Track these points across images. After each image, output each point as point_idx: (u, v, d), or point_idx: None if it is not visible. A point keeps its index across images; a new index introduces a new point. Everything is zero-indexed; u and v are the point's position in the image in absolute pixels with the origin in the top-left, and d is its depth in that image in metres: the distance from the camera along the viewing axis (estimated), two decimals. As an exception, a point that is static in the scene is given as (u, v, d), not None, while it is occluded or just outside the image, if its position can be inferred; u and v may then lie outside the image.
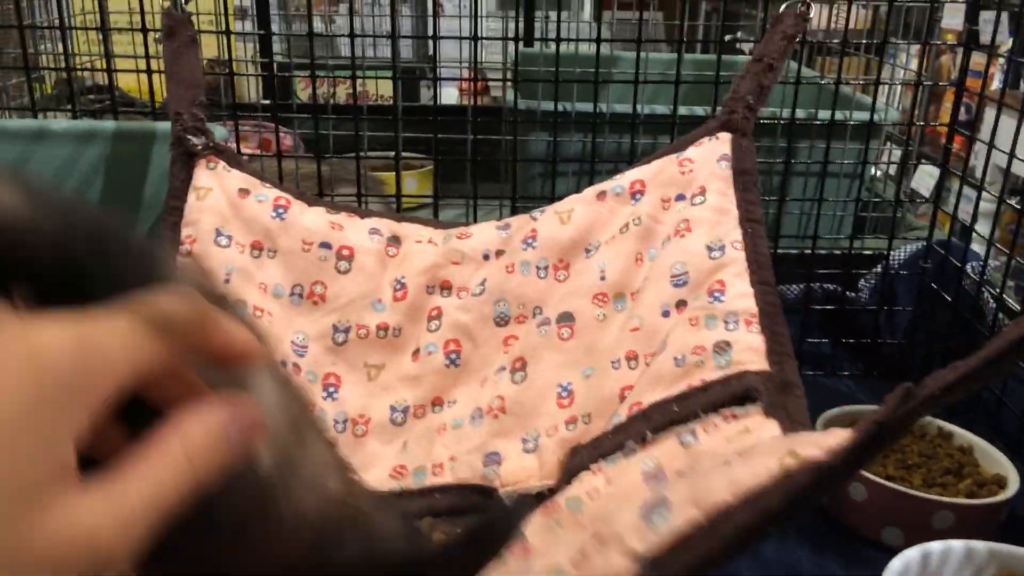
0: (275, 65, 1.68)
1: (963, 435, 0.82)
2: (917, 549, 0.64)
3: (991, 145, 0.90)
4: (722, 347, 0.66)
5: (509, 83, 1.08)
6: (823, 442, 0.42)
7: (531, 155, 1.12)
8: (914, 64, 1.29)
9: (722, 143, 0.79)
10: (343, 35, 0.97)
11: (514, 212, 1.08)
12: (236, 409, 0.31)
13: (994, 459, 0.78)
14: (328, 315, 0.77)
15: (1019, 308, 0.87)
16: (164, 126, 0.92)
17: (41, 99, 1.26)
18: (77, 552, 0.26)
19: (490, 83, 2.04)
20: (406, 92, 2.10)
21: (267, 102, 1.56)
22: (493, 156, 1.08)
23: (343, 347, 0.77)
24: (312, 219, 0.80)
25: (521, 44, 1.55)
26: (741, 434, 0.58)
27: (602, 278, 0.77)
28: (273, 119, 1.05)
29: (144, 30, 0.93)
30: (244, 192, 0.79)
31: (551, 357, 0.74)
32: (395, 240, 0.82)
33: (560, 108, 1.01)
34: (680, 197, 0.78)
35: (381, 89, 1.98)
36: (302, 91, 2.08)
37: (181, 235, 0.76)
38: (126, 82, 1.69)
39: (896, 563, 0.63)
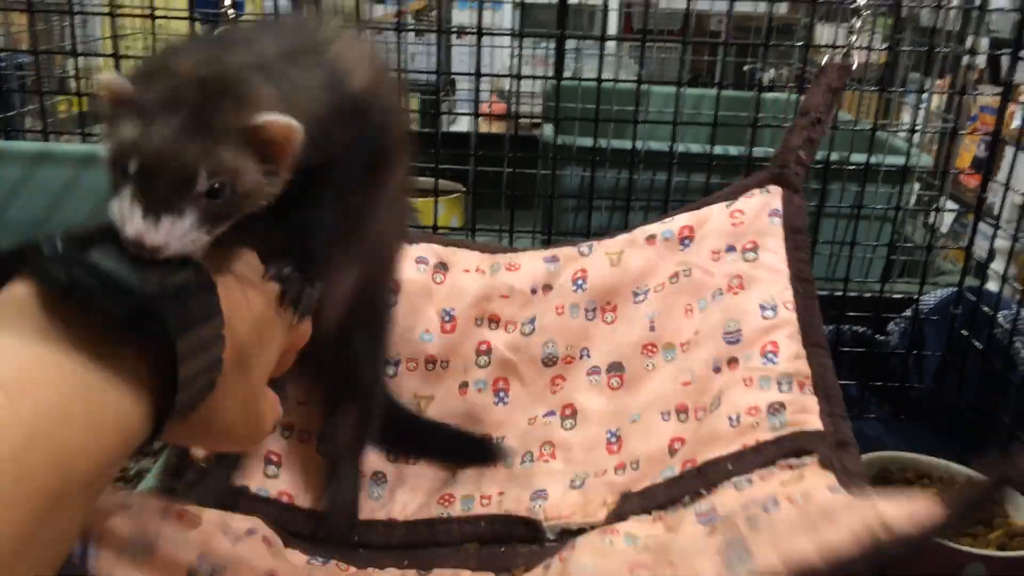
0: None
1: (994, 485, 0.82)
2: (952, 602, 0.64)
3: (1007, 186, 0.91)
4: (776, 408, 0.67)
5: (548, 120, 1.09)
6: (912, 512, 0.44)
7: (565, 188, 1.13)
8: (935, 101, 1.30)
9: (774, 197, 0.79)
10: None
11: (547, 245, 1.09)
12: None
13: (1025, 509, 0.78)
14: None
15: (1051, 359, 0.87)
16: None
17: (60, 122, 1.27)
18: (269, 414, 0.49)
19: (522, 114, 2.06)
20: (425, 117, 2.12)
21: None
22: (528, 188, 1.09)
23: (393, 380, 0.78)
24: None
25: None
26: (796, 480, 0.59)
27: (651, 328, 0.78)
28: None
29: (116, 56, 0.94)
30: None
31: (600, 405, 0.75)
32: (442, 267, 0.82)
33: (596, 144, 1.03)
34: (730, 249, 0.78)
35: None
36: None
37: None
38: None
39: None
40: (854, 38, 0.81)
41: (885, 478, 0.84)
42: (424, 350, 0.79)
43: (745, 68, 2.54)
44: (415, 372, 0.78)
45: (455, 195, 1.45)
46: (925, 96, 1.19)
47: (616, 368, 0.77)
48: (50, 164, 0.91)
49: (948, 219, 1.13)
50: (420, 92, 2.09)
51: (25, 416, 0.32)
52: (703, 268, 0.79)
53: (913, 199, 1.29)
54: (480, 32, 0.95)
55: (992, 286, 0.99)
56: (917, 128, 1.05)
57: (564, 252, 0.83)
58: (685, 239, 0.81)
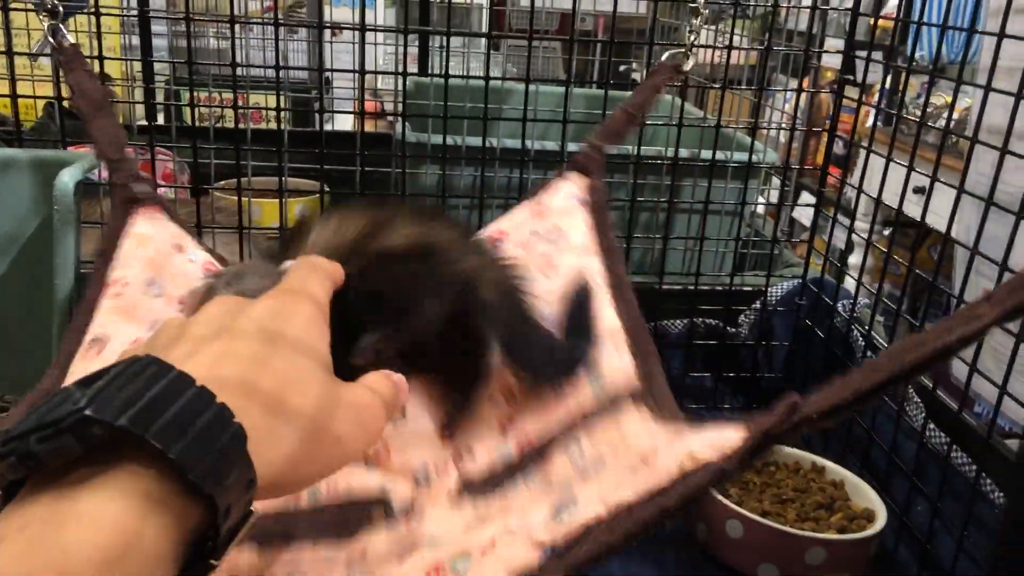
0: (159, 90, 1.62)
1: (835, 469, 0.85)
2: (790, 587, 0.66)
3: (859, 189, 0.94)
4: (593, 371, 0.67)
5: (399, 115, 1.06)
6: (717, 443, 0.46)
7: (422, 187, 1.11)
8: (793, 102, 1.35)
9: (569, 182, 0.83)
10: (225, 64, 0.94)
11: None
12: (401, 382, 0.49)
13: (864, 494, 0.81)
14: None
15: (886, 345, 0.91)
16: (46, 154, 0.87)
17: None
18: (364, 400, 0.46)
19: (385, 112, 2.02)
20: (301, 114, 2.07)
21: (145, 123, 1.51)
22: (383, 188, 1.06)
23: None
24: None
25: (413, 75, 1.54)
26: (615, 428, 0.60)
27: None
28: (149, 144, 1.00)
29: (10, 53, 0.88)
30: (178, 247, 0.78)
31: (424, 401, 0.74)
32: None
33: (450, 141, 1.01)
34: (534, 233, 0.81)
35: (271, 111, 1.93)
36: (189, 112, 2.02)
37: (109, 277, 0.73)
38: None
39: (770, 602, 0.64)
40: (692, 38, 0.83)
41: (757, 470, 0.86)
42: None
43: (621, 68, 2.60)
44: None
45: (315, 196, 1.41)
46: (773, 95, 1.22)
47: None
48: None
49: (808, 213, 1.17)
50: (293, 90, 2.04)
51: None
52: (514, 257, 0.79)
53: (774, 195, 1.33)
54: (364, 28, 0.92)
55: (849, 281, 1.03)
56: (762, 126, 1.08)
57: None
58: (497, 242, 0.81)
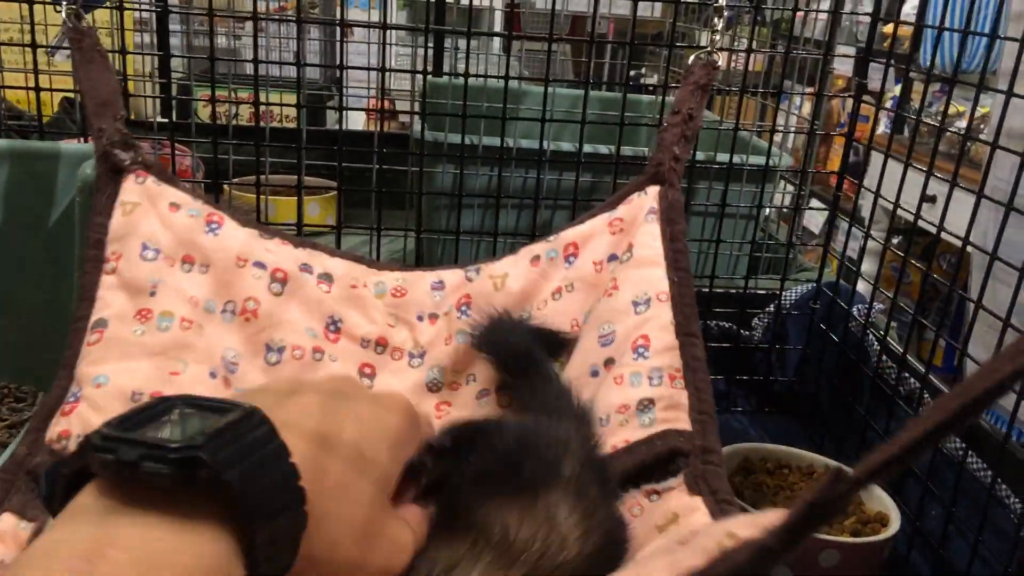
0: (174, 84, 1.63)
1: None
2: (804, 588, 0.66)
3: (877, 193, 0.94)
4: (645, 405, 0.66)
5: (417, 114, 1.07)
6: (759, 522, 0.43)
7: (437, 186, 1.12)
8: (807, 107, 1.35)
9: (650, 197, 0.79)
10: (247, 60, 0.95)
11: (419, 244, 1.07)
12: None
13: (877, 498, 0.81)
14: (262, 332, 0.73)
15: (901, 350, 0.91)
16: (69, 146, 0.88)
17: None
18: (402, 540, 0.47)
19: (398, 110, 2.03)
20: (311, 113, 2.08)
21: (164, 120, 1.52)
22: (399, 186, 1.07)
23: (276, 367, 0.73)
24: (247, 238, 0.77)
25: (430, 75, 1.54)
26: (670, 523, 0.58)
27: None
28: (170, 139, 1.01)
29: (34, 46, 0.89)
30: (175, 206, 0.75)
31: None
32: (327, 278, 0.79)
33: (467, 141, 1.02)
34: (612, 258, 0.78)
35: (285, 109, 1.94)
36: (203, 109, 2.03)
37: (106, 252, 0.72)
38: (13, 94, 1.61)
39: (785, 603, 0.64)
40: (716, 38, 0.83)
41: (746, 468, 0.86)
42: (311, 343, 0.75)
43: (632, 72, 2.60)
44: (300, 360, 0.73)
45: (330, 194, 1.41)
46: (785, 95, 1.23)
47: (507, 387, 0.75)
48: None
49: (820, 218, 1.17)
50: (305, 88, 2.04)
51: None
52: (586, 281, 0.78)
53: (785, 199, 1.33)
54: (385, 26, 0.92)
55: (861, 285, 1.03)
56: (779, 129, 1.08)
57: (450, 276, 0.81)
58: (570, 256, 0.80)
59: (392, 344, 0.78)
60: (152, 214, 0.74)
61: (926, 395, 0.84)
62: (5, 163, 0.86)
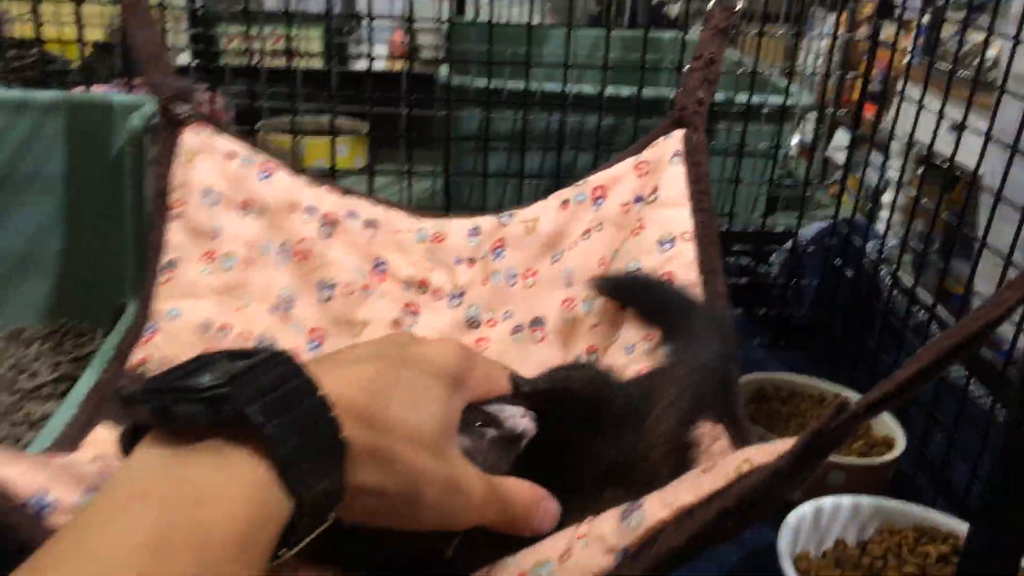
0: (201, 17, 1.66)
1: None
2: (810, 504, 0.71)
3: (892, 127, 0.97)
4: None
5: (442, 62, 1.10)
6: (773, 449, 0.47)
7: (464, 129, 1.15)
8: (829, 42, 1.35)
9: (675, 140, 0.83)
10: None
11: (447, 186, 1.12)
12: (553, 506, 0.53)
13: (885, 422, 0.86)
14: (314, 271, 0.79)
15: (911, 283, 0.94)
16: (119, 97, 0.93)
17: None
18: (470, 488, 0.47)
19: (422, 45, 2.04)
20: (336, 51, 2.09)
21: (196, 62, 1.55)
22: (426, 131, 1.10)
23: (329, 303, 0.79)
24: (297, 185, 0.82)
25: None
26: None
27: (568, 284, 0.81)
28: (209, 82, 1.05)
29: None
30: (231, 156, 0.81)
31: (525, 358, 0.77)
32: (371, 223, 0.84)
33: (492, 86, 1.05)
34: (638, 199, 0.82)
35: (310, 46, 1.97)
36: (230, 47, 2.05)
37: (170, 199, 0.77)
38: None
39: (791, 517, 0.70)
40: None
41: (761, 396, 0.91)
42: (361, 281, 0.81)
43: (653, 2, 2.56)
44: (351, 297, 0.79)
45: (359, 135, 1.45)
46: (815, 34, 1.24)
47: (538, 323, 0.80)
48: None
49: (843, 153, 1.18)
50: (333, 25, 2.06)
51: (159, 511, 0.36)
52: (614, 222, 0.82)
53: (808, 137, 1.36)
54: None
55: (883, 218, 1.06)
56: (799, 69, 1.10)
57: (485, 223, 0.86)
58: (598, 199, 0.84)
59: (432, 285, 0.84)
60: (210, 163, 0.79)
61: (934, 327, 0.88)
62: (58, 114, 0.91)
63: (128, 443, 0.41)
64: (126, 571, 0.32)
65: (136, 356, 0.70)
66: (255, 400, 0.38)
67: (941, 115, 0.86)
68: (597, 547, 0.49)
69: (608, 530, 0.49)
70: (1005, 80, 0.78)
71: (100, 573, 0.32)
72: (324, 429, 0.41)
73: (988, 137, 0.80)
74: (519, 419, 0.54)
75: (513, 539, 0.54)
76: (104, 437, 0.64)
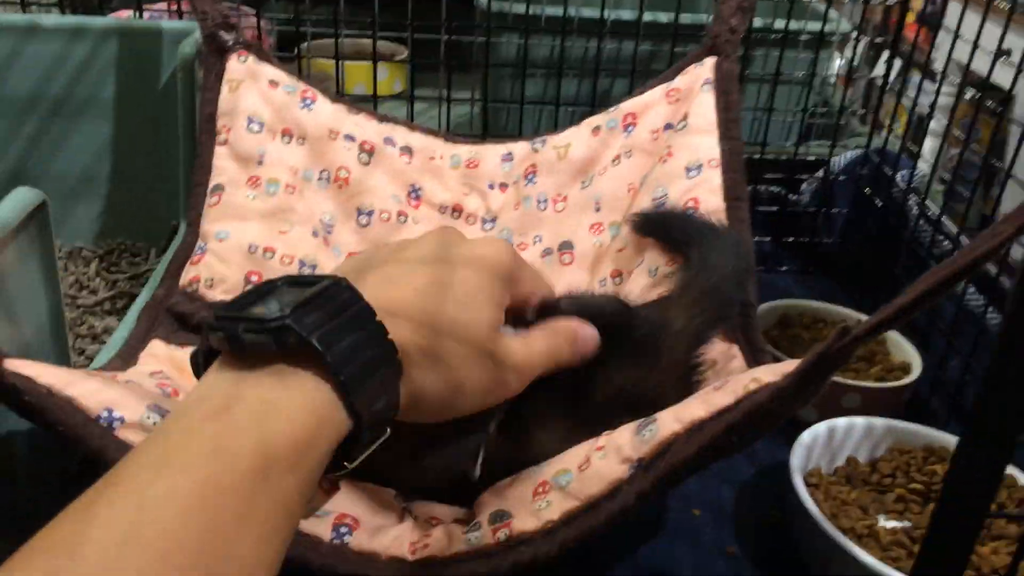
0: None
1: (879, 327, 0.92)
2: (824, 424, 0.75)
3: (926, 57, 0.97)
4: None
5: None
6: (780, 369, 0.50)
7: (502, 55, 1.17)
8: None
9: (706, 68, 0.84)
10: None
11: (485, 112, 1.14)
12: (590, 330, 0.58)
13: (904, 349, 0.89)
14: (353, 198, 0.83)
15: (936, 213, 0.96)
16: (169, 24, 0.96)
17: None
18: (515, 364, 0.53)
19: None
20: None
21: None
22: (466, 56, 1.12)
23: (367, 228, 0.83)
24: (337, 113, 0.85)
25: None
26: (710, 368, 0.65)
27: (597, 208, 0.84)
28: (253, 5, 1.07)
29: None
30: (274, 84, 0.84)
31: (554, 280, 0.79)
32: (408, 150, 0.88)
33: (531, 12, 1.06)
34: (668, 127, 0.84)
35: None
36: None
37: (217, 125, 0.81)
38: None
39: (806, 435, 0.73)
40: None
41: (784, 323, 0.94)
42: (396, 207, 0.84)
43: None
44: (388, 223, 0.83)
45: (397, 59, 1.47)
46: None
47: (567, 246, 0.83)
48: (39, 38, 0.94)
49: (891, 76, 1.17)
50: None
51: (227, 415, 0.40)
52: (643, 149, 0.84)
53: (856, 62, 1.34)
54: None
55: (928, 145, 1.05)
56: (837, -5, 1.09)
57: (518, 149, 0.89)
58: (629, 126, 0.86)
59: (467, 210, 0.87)
60: (255, 90, 0.83)
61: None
62: (111, 40, 0.95)
63: (201, 366, 0.45)
64: (193, 473, 0.37)
65: (188, 275, 0.75)
66: (317, 328, 0.42)
67: (978, 40, 0.86)
68: (614, 457, 0.53)
69: (624, 442, 0.54)
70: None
71: (171, 481, 0.36)
72: (382, 352, 0.45)
73: (1021, 68, 0.80)
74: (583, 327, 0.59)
75: (533, 453, 0.58)
76: (160, 351, 0.69)
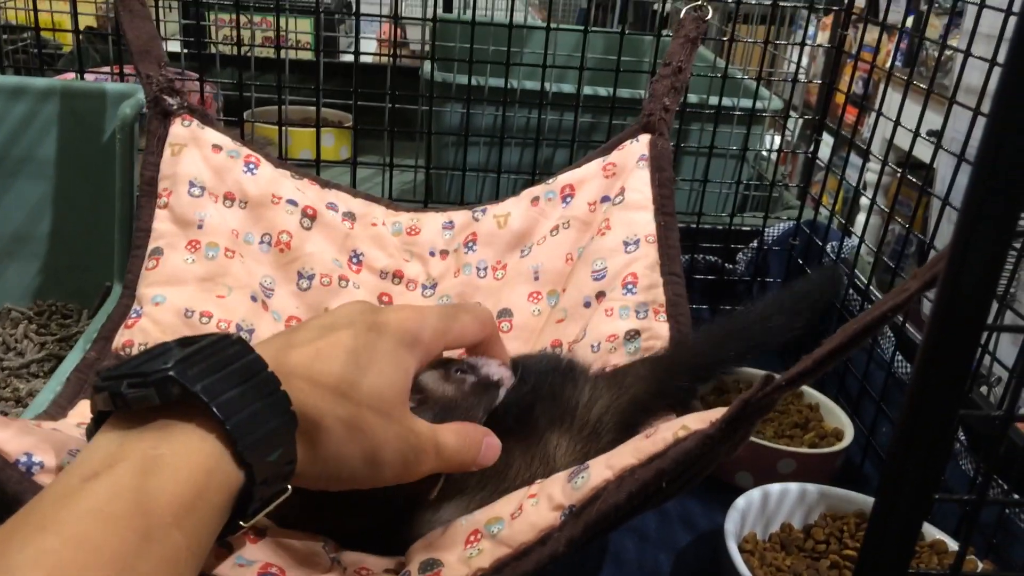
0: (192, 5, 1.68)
1: (812, 394, 0.94)
2: (759, 490, 0.75)
3: (851, 135, 1.01)
4: (632, 335, 0.75)
5: (427, 59, 1.13)
6: (707, 417, 0.52)
7: (446, 124, 1.19)
8: (821, 36, 1.38)
9: (642, 144, 0.88)
10: None
11: (428, 179, 1.15)
12: (496, 443, 0.58)
13: (836, 415, 0.91)
14: (293, 262, 0.83)
15: (865, 283, 0.99)
16: (111, 85, 0.96)
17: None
18: (423, 442, 0.52)
19: (410, 42, 2.07)
20: (325, 41, 2.12)
21: (187, 51, 1.58)
22: (410, 118, 1.14)
23: (306, 292, 0.83)
24: (280, 177, 0.86)
25: (440, 10, 1.59)
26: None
27: (536, 278, 0.85)
28: (198, 70, 1.07)
29: None
30: (217, 148, 0.84)
31: None
32: (350, 216, 0.88)
33: (474, 82, 1.08)
34: (605, 199, 0.86)
35: (300, 38, 2.00)
36: (218, 31, 2.07)
37: (158, 188, 0.81)
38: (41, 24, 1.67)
39: (740, 501, 0.74)
40: (704, -8, 0.89)
41: (720, 389, 0.95)
42: (338, 272, 0.84)
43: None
44: (328, 287, 0.83)
45: (344, 126, 1.48)
46: (792, 42, 1.28)
47: (506, 314, 0.84)
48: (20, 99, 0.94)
49: (827, 152, 1.21)
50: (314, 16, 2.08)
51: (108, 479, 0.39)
52: (581, 220, 0.87)
53: (793, 137, 1.39)
54: None
55: (861, 218, 1.09)
56: (764, 76, 1.14)
57: (459, 217, 0.91)
58: (567, 197, 0.88)
59: (407, 276, 0.88)
60: (197, 154, 0.83)
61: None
62: (52, 100, 0.94)
63: (93, 431, 0.45)
64: (65, 534, 0.36)
65: (122, 338, 0.73)
66: (201, 378, 0.42)
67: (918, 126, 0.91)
68: (545, 504, 0.54)
69: (556, 490, 0.54)
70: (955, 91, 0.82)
71: (42, 545, 0.35)
72: (273, 402, 0.44)
73: (937, 149, 0.84)
74: (496, 368, 0.63)
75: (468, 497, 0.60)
76: (87, 412, 0.67)
